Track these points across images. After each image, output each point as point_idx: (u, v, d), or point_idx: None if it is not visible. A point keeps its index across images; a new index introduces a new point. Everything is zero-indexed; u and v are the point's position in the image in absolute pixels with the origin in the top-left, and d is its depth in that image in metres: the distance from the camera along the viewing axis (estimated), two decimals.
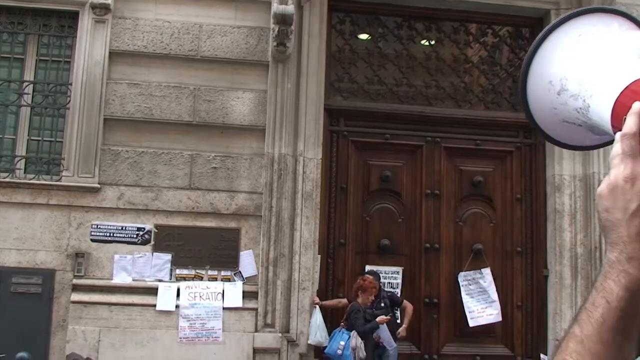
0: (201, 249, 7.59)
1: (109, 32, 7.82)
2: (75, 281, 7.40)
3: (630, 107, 0.97)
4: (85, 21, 7.82)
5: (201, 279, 7.56)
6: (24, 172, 7.72)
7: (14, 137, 7.81)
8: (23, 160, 7.76)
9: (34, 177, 7.63)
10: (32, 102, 7.88)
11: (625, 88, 1.02)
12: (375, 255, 8.18)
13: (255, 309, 7.53)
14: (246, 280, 7.61)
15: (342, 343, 7.16)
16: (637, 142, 0.94)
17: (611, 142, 1.13)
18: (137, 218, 7.60)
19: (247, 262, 7.62)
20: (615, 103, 1.03)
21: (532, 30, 8.76)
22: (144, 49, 7.86)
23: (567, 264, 8.08)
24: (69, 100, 7.76)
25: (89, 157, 7.61)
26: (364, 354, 7.08)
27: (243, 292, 7.54)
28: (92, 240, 7.50)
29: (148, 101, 7.77)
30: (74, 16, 7.91)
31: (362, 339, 7.12)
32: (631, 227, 0.91)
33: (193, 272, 7.57)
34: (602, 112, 1.06)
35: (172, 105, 7.80)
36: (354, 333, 7.18)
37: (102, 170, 7.63)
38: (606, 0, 7.98)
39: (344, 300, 7.69)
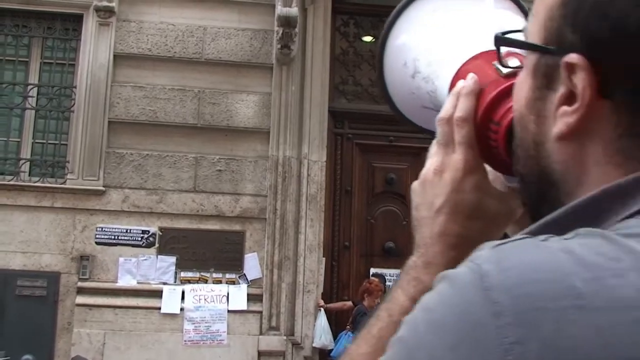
0: (206, 251, 7.59)
1: (113, 35, 7.83)
2: (80, 284, 7.41)
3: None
4: (90, 24, 7.82)
5: (206, 281, 7.56)
6: (29, 175, 7.72)
7: (18, 140, 7.81)
8: (28, 163, 7.77)
9: (38, 180, 7.63)
10: (36, 105, 7.89)
11: (466, 61, 0.88)
12: (380, 258, 8.17)
13: (260, 312, 7.52)
14: (251, 283, 7.61)
15: (347, 345, 7.15)
16: (451, 128, 0.79)
17: None
18: (142, 221, 7.60)
19: (252, 264, 7.62)
20: (452, 80, 0.88)
21: None
22: (148, 52, 7.87)
23: None
24: (74, 103, 7.77)
25: (93, 160, 7.62)
26: None
27: (248, 294, 7.54)
28: (97, 243, 7.50)
29: (152, 104, 7.78)
30: (78, 19, 7.92)
31: None
32: (434, 226, 0.77)
33: (198, 274, 7.57)
34: (445, 93, 0.89)
35: (176, 108, 7.80)
36: None
37: (107, 173, 7.63)
38: None
39: (349, 303, 7.68)
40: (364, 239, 8.21)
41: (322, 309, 7.60)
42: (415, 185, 0.82)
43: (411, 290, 0.76)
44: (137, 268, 7.49)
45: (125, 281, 7.47)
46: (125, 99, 7.77)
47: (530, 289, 0.47)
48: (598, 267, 0.48)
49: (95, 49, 7.78)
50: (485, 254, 0.52)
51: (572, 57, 0.58)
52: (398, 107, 1.05)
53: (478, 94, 0.79)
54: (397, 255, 8.17)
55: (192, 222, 7.66)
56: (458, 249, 0.75)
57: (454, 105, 0.79)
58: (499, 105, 0.77)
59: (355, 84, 8.54)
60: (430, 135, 0.93)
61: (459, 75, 0.86)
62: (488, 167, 0.81)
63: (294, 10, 7.58)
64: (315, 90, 7.96)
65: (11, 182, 7.55)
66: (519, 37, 0.71)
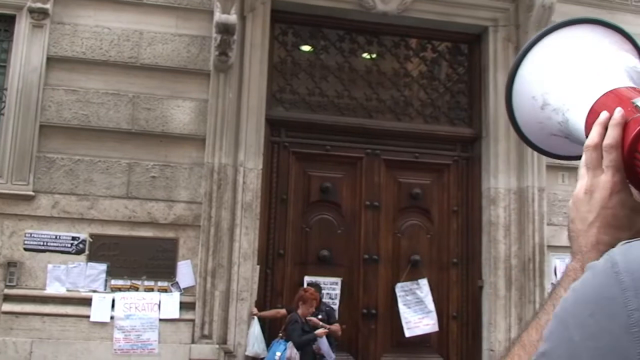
0: (137, 259, 7.49)
1: (47, 37, 7.68)
2: (6, 291, 7.22)
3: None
4: (23, 25, 7.65)
5: (137, 289, 7.46)
6: None
7: None
8: None
9: None
10: None
11: (600, 97, 1.04)
12: (314, 266, 8.21)
13: (193, 320, 7.47)
14: (183, 291, 7.55)
15: (278, 354, 7.16)
16: (598, 153, 0.95)
17: None
18: (72, 227, 7.46)
19: (185, 272, 7.56)
20: (588, 114, 1.04)
21: (470, 46, 8.96)
22: (82, 55, 7.74)
23: (502, 275, 8.26)
24: (4, 106, 7.58)
25: (23, 165, 7.44)
26: None
27: (180, 303, 7.48)
28: (25, 249, 7.33)
29: (85, 108, 7.65)
30: (10, 20, 7.74)
31: (298, 350, 7.13)
32: (589, 237, 0.93)
33: (129, 282, 7.47)
34: (577, 124, 1.08)
35: (110, 113, 7.70)
36: (290, 344, 7.18)
37: (37, 178, 7.47)
38: (543, 16, 8.22)
39: (283, 311, 7.69)
40: (299, 247, 8.23)
41: (255, 317, 7.59)
42: (570, 202, 0.99)
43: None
44: (67, 275, 7.34)
45: (54, 288, 7.31)
46: (58, 102, 7.62)
47: None
48: None
49: (27, 51, 7.61)
50: (617, 249, 0.71)
51: None
52: (525, 134, 1.22)
53: (623, 126, 0.94)
54: (332, 264, 8.25)
55: (124, 228, 7.55)
56: None
57: (599, 134, 0.96)
58: None
59: (292, 92, 8.57)
60: (556, 158, 1.25)
61: (595, 109, 1.02)
62: (633, 189, 0.96)
63: (232, 18, 7.58)
64: (253, 98, 7.96)
65: None
66: None
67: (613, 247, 0.89)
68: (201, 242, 7.58)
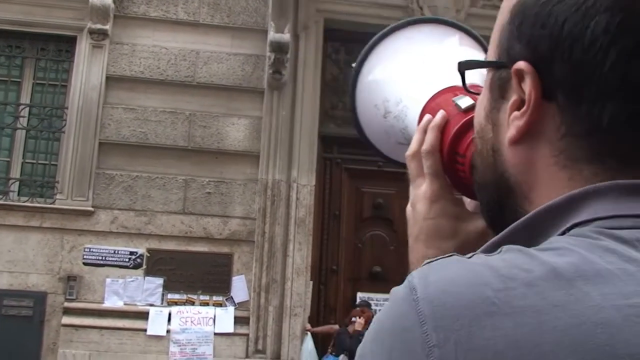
0: (193, 273, 7.59)
1: (106, 57, 7.90)
2: (66, 304, 7.39)
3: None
4: (83, 46, 7.90)
5: (193, 303, 7.56)
6: (18, 195, 7.74)
7: (8, 159, 7.84)
8: (17, 183, 7.79)
9: (27, 200, 7.65)
10: (27, 125, 7.92)
11: (430, 99, 0.94)
12: (367, 281, 8.20)
13: (247, 335, 7.52)
14: (238, 306, 7.62)
15: None
16: (418, 162, 0.87)
17: None
18: (130, 242, 7.61)
19: (239, 287, 7.63)
20: (419, 117, 0.94)
21: None
22: (140, 75, 7.94)
23: None
24: (65, 124, 7.81)
25: (83, 181, 7.64)
26: None
27: (234, 317, 7.54)
28: (85, 264, 7.50)
29: (143, 126, 7.83)
30: (71, 41, 7.99)
31: (350, 356, 7.12)
32: (416, 252, 0.86)
33: (185, 296, 7.57)
34: (414, 129, 0.95)
35: (167, 130, 7.86)
36: (342, 357, 7.17)
37: (96, 193, 7.65)
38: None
39: (336, 327, 7.69)
40: (352, 263, 8.24)
41: (308, 332, 7.60)
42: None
43: None
44: (124, 289, 7.49)
45: (112, 302, 7.45)
46: (117, 120, 7.82)
47: (447, 299, 0.54)
48: (511, 278, 0.54)
49: (87, 70, 7.84)
50: (417, 271, 0.58)
51: (519, 64, 0.63)
52: (375, 145, 1.10)
53: (442, 128, 0.86)
54: (384, 280, 8.21)
55: (181, 243, 7.67)
56: None
57: (418, 140, 0.87)
58: (462, 138, 0.83)
59: (345, 109, 8.62)
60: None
61: (424, 111, 0.92)
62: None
63: (286, 37, 7.69)
64: (306, 115, 8.04)
65: (0, 202, 7.55)
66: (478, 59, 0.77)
67: None
68: (255, 257, 7.65)
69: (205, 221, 7.72)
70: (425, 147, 0.86)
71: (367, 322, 7.41)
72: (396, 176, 8.45)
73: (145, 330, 7.38)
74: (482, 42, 1.03)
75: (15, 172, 7.82)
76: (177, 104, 7.93)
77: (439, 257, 0.60)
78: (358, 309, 7.57)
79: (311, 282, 7.82)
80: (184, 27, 8.09)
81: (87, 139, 7.72)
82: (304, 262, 7.76)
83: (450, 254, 0.61)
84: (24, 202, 7.62)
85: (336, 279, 8.18)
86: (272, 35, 7.68)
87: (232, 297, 7.62)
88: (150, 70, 7.96)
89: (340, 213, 8.31)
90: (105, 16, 7.84)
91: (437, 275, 0.57)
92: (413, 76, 1.02)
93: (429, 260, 0.60)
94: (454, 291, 0.54)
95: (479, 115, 0.73)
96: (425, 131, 0.87)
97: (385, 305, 0.61)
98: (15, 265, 7.40)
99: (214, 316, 7.49)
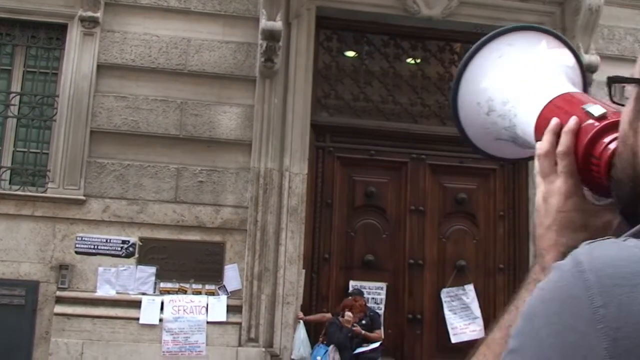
0: (185, 262, 7.59)
1: (97, 45, 7.85)
2: (58, 293, 7.38)
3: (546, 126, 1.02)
4: (74, 34, 7.84)
5: (185, 292, 7.56)
6: (9, 184, 7.70)
7: None
8: (8, 172, 7.75)
9: (19, 189, 7.61)
10: (18, 113, 7.88)
11: (548, 103, 1.06)
12: (359, 270, 8.22)
13: (239, 324, 7.53)
14: (230, 295, 7.62)
15: (319, 358, 7.19)
16: (550, 161, 0.98)
17: None
18: (122, 231, 7.60)
19: (232, 276, 7.64)
20: (537, 118, 1.07)
21: None
22: (132, 63, 7.90)
23: None
24: (56, 112, 7.77)
25: (74, 169, 7.61)
26: None
27: (227, 306, 7.55)
28: (77, 253, 7.48)
29: (135, 114, 7.80)
30: (62, 29, 7.94)
31: (339, 349, 7.15)
32: (547, 240, 0.97)
33: (177, 285, 7.57)
34: (526, 129, 1.11)
35: (159, 119, 7.83)
36: (331, 347, 7.21)
37: (88, 182, 7.63)
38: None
39: (328, 315, 7.71)
40: (344, 251, 8.25)
41: (301, 321, 7.62)
42: (535, 209, 1.03)
43: (531, 288, 0.93)
44: (117, 278, 7.48)
45: (104, 291, 7.45)
46: (108, 108, 7.79)
47: (609, 270, 0.68)
48: None
49: (78, 58, 7.79)
50: (581, 249, 0.73)
51: None
52: (471, 139, 1.25)
53: (576, 132, 0.97)
54: (376, 268, 8.24)
55: (173, 232, 7.67)
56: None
57: (550, 141, 0.99)
58: (597, 142, 0.94)
59: (337, 97, 8.62)
60: (498, 161, 1.35)
61: (545, 114, 1.05)
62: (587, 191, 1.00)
63: (278, 24, 7.66)
64: (298, 103, 8.03)
65: None
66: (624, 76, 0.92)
67: (570, 247, 0.92)
68: (247, 246, 7.65)
69: (197, 210, 7.71)
70: (561, 148, 0.97)
71: (360, 311, 7.44)
72: (389, 164, 8.48)
73: (137, 319, 7.38)
74: (568, 43, 1.21)
75: (7, 161, 7.78)
76: (168, 92, 7.90)
77: (597, 240, 0.75)
78: (350, 297, 7.59)
79: (303, 271, 7.83)
80: (175, 14, 8.04)
81: (78, 128, 7.68)
82: (296, 250, 7.76)
83: (607, 237, 0.76)
84: (15, 190, 7.59)
85: (328, 268, 8.19)
86: (263, 23, 7.65)
87: (224, 285, 7.63)
88: (141, 58, 7.92)
89: (333, 201, 8.31)
90: (96, 3, 7.79)
91: (599, 252, 0.71)
92: (519, 81, 1.16)
93: (588, 242, 0.75)
94: (615, 264, 0.69)
95: (623, 122, 0.87)
96: (555, 133, 0.99)
97: (549, 276, 0.74)
98: (7, 254, 7.37)
99: (207, 305, 7.50)
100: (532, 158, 1.24)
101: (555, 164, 0.98)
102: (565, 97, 1.05)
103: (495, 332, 0.97)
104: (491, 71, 1.19)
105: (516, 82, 1.16)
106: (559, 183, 0.97)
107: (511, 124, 1.15)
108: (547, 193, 0.98)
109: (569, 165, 0.96)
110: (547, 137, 0.99)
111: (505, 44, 1.19)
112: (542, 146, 1.00)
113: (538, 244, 1.00)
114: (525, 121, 1.10)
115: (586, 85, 1.20)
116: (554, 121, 1.00)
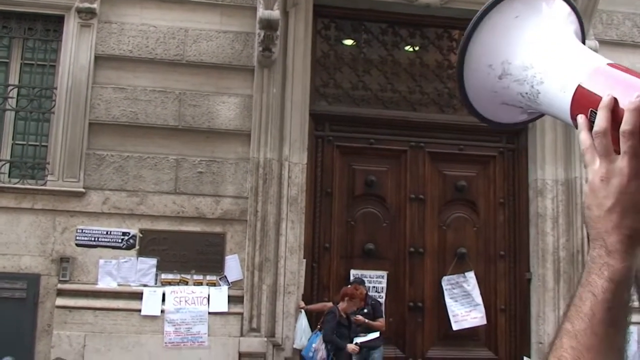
0: (186, 253, 7.60)
1: (94, 36, 7.82)
2: (60, 286, 7.38)
3: (590, 99, 0.97)
4: (71, 25, 7.81)
5: (186, 283, 7.57)
6: (9, 177, 7.69)
7: None
8: (7, 165, 7.74)
9: (18, 182, 7.60)
10: (16, 106, 7.85)
11: (589, 78, 1.01)
12: (360, 259, 8.23)
13: (241, 314, 7.54)
14: (231, 285, 7.63)
15: (314, 345, 7.22)
16: (609, 139, 0.94)
17: (539, 117, 1.16)
18: (122, 222, 7.59)
19: (233, 266, 7.64)
20: (575, 91, 1.01)
21: None
22: (129, 54, 7.87)
23: (550, 268, 8.17)
24: (54, 105, 7.74)
25: (73, 162, 7.60)
26: (325, 355, 7.12)
27: (228, 296, 7.56)
28: (77, 245, 7.48)
29: (133, 105, 7.78)
30: (59, 20, 7.90)
31: (325, 342, 7.17)
32: (608, 222, 0.94)
33: (178, 276, 7.58)
34: (556, 100, 1.05)
35: (157, 110, 7.81)
36: (320, 337, 7.23)
37: (87, 174, 7.61)
38: None
39: (329, 304, 7.72)
40: (344, 240, 8.26)
41: (302, 310, 7.64)
42: (586, 190, 0.98)
43: (605, 273, 0.92)
44: (118, 270, 7.48)
45: (106, 283, 7.45)
46: (106, 100, 7.76)
47: None
48: None
49: (76, 50, 7.76)
50: None
51: None
52: (470, 100, 1.19)
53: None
54: (377, 257, 8.25)
55: (173, 224, 7.66)
56: (633, 238, 0.93)
57: (607, 118, 0.94)
58: None
59: (336, 86, 8.59)
60: (492, 125, 1.22)
61: (587, 88, 0.99)
62: None
63: (275, 13, 7.62)
64: (297, 92, 8.00)
65: None
66: None
67: (634, 229, 0.93)
68: (248, 236, 7.65)
69: (197, 201, 7.71)
70: (627, 127, 0.91)
71: (361, 300, 7.45)
72: (388, 153, 8.47)
73: (139, 310, 7.39)
74: (573, 5, 1.15)
75: (5, 154, 7.76)
76: (166, 83, 7.87)
77: None
78: (350, 286, 7.59)
79: (304, 261, 7.84)
80: (172, 4, 8.00)
81: (76, 120, 7.66)
82: (296, 240, 7.77)
83: None
84: (15, 184, 7.57)
85: (329, 257, 8.20)
86: (261, 12, 7.62)
87: (225, 276, 7.63)
88: (139, 49, 7.89)
89: (333, 191, 8.31)
90: None
91: None
92: (545, 47, 1.09)
93: None
94: None
95: None
96: (611, 109, 0.94)
97: None
98: (8, 247, 7.37)
99: (208, 295, 7.51)
100: (523, 123, 1.22)
101: (614, 142, 0.93)
102: (611, 73, 0.99)
103: (575, 322, 0.93)
104: (507, 33, 1.12)
105: (539, 49, 1.10)
106: (623, 163, 0.93)
107: (533, 90, 1.08)
108: (608, 173, 0.94)
109: (636, 146, 0.92)
110: (603, 114, 0.95)
111: (520, 3, 1.13)
112: (600, 124, 0.95)
113: (595, 226, 0.96)
114: (557, 92, 1.04)
115: (584, 33, 1.16)
116: (608, 97, 0.95)
